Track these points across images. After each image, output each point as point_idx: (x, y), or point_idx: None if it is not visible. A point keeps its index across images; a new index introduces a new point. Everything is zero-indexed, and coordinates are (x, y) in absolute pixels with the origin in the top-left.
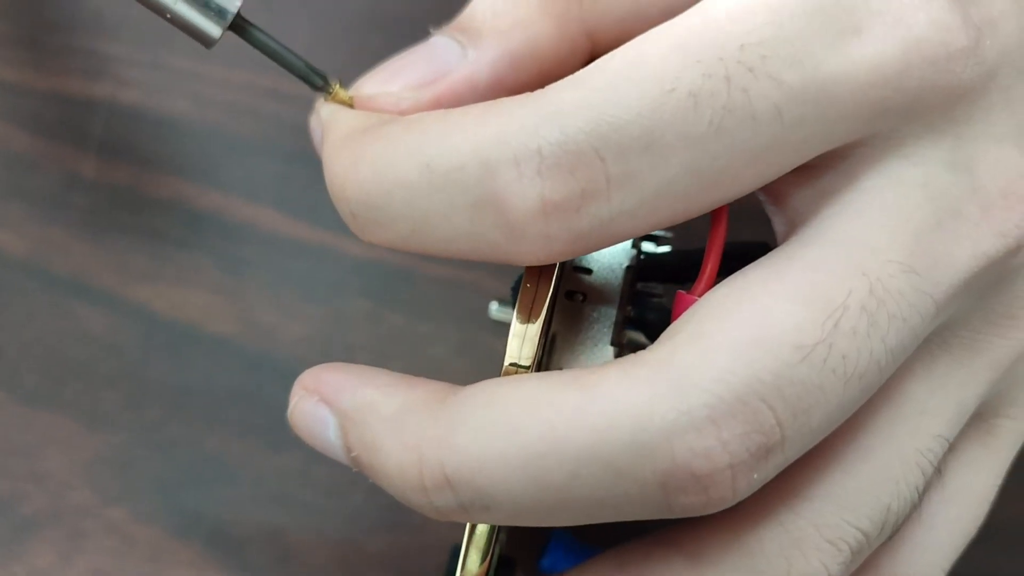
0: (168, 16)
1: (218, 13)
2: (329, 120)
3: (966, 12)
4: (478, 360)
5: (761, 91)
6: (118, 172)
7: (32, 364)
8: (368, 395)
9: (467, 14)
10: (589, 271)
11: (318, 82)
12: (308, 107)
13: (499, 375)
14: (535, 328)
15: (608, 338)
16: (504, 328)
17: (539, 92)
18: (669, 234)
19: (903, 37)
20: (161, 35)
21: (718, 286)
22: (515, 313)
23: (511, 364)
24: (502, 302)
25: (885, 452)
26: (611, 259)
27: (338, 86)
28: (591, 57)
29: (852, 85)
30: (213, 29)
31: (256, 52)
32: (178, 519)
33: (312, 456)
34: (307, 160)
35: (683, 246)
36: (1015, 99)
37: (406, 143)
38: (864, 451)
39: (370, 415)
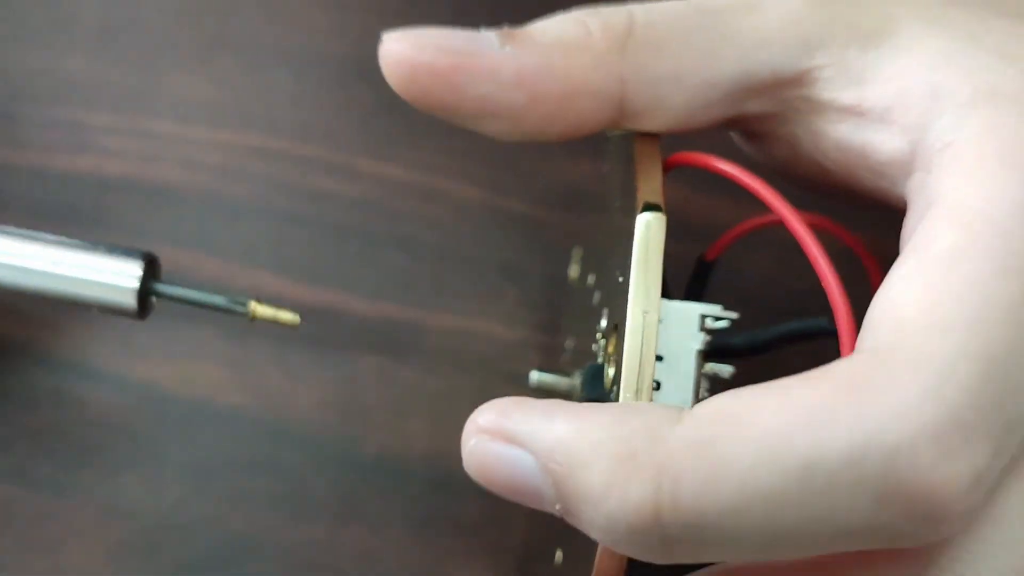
0: (94, 310)
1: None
2: (567, 449)
3: None
4: None
5: None
6: None
7: (42, 454)
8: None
9: (522, 27)
10: (660, 358)
11: (242, 309)
12: (295, 165)
13: None
14: None
15: None
16: (540, 393)
17: (899, 361)
18: (735, 315)
19: None
20: (142, 99)
21: None
22: None
23: None
24: (542, 370)
25: None
26: (679, 345)
27: (254, 303)
28: (617, 108)
29: None
30: (130, 304)
31: (240, 111)
32: None
33: (339, 523)
34: (300, 220)
35: (747, 323)
36: None
37: (759, 445)
38: None
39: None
